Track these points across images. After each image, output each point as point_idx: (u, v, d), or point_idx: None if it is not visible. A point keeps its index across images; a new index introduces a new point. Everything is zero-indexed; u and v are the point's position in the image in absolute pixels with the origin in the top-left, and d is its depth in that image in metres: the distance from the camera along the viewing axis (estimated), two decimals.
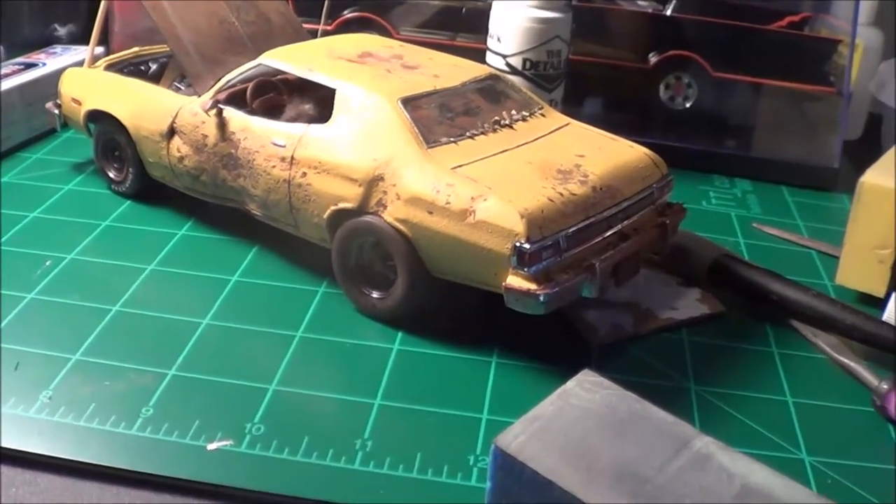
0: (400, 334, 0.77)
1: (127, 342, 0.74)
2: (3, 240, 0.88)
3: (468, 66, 0.88)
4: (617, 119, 1.19)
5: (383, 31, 1.20)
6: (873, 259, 0.85)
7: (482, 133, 0.79)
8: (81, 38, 1.41)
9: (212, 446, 0.63)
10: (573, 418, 0.55)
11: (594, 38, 1.18)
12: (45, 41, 1.38)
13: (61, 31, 1.45)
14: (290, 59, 0.85)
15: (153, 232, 0.91)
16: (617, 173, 0.77)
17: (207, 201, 0.90)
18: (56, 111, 1.02)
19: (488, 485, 0.54)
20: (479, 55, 1.02)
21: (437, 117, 0.78)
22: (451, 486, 0.62)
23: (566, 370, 0.62)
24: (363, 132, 0.77)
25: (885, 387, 0.71)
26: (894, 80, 1.23)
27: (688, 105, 1.20)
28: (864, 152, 1.09)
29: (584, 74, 1.17)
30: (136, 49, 1.06)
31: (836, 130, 1.15)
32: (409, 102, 0.78)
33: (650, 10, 1.21)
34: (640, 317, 0.81)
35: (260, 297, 0.82)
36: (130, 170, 0.95)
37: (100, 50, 1.03)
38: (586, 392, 0.57)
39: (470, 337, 0.77)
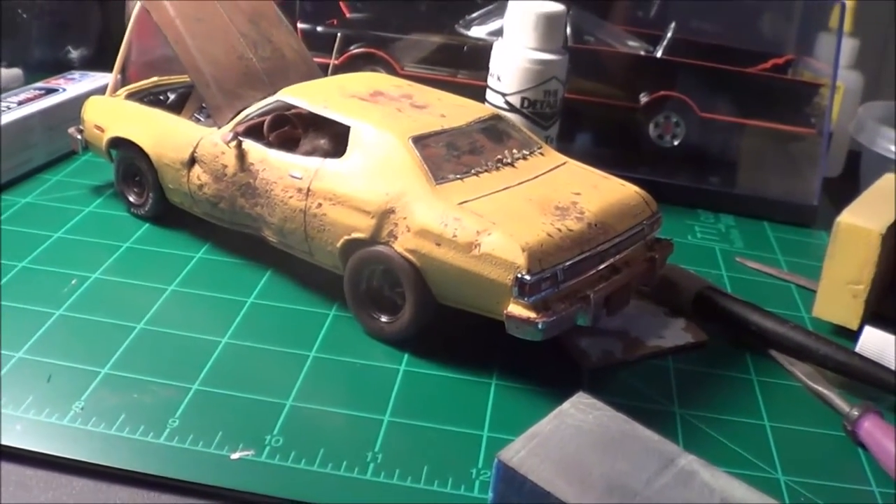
0: (406, 356, 0.81)
1: (152, 358, 0.77)
2: (29, 257, 0.91)
3: (473, 107, 0.91)
4: (608, 155, 1.21)
5: (388, 67, 1.23)
6: (848, 294, 0.88)
7: (486, 171, 0.82)
8: (93, 62, 1.44)
9: (234, 456, 0.67)
10: (568, 436, 0.58)
11: (589, 78, 1.21)
12: (58, 64, 1.42)
13: (74, 53, 1.49)
14: (307, 97, 0.88)
15: (172, 254, 0.94)
16: (610, 210, 0.80)
17: (224, 227, 0.94)
18: (78, 136, 1.05)
19: (491, 495, 0.58)
20: (479, 92, 1.05)
21: (445, 155, 0.82)
22: (455, 497, 0.65)
23: (559, 392, 0.66)
24: (376, 168, 0.80)
25: (856, 413, 0.74)
26: (872, 123, 1.27)
27: (676, 143, 1.23)
28: (843, 189, 1.13)
29: (578, 112, 1.20)
30: (155, 79, 1.09)
31: (815, 169, 1.18)
32: (419, 141, 0.81)
33: (642, 53, 1.25)
34: (629, 344, 0.84)
35: (275, 318, 0.85)
36: (150, 195, 0.98)
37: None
38: (580, 412, 0.61)
39: (472, 360, 0.80)
